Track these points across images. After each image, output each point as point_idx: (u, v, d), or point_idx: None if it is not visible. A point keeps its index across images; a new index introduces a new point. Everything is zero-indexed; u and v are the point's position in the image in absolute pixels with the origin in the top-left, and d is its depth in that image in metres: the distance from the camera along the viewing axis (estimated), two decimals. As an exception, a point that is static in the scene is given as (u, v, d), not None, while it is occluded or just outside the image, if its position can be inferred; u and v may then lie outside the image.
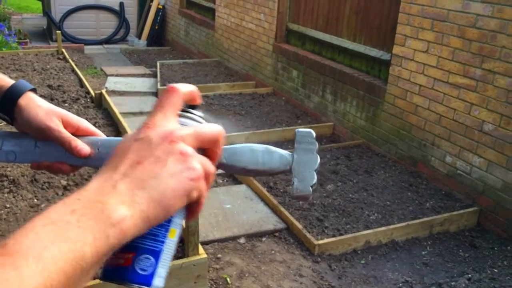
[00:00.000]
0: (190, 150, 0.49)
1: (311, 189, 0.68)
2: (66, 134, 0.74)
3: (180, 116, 0.54)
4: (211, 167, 0.51)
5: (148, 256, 0.50)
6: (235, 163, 0.65)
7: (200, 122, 0.56)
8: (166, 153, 0.47)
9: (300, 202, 3.35)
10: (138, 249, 0.49)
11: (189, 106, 0.57)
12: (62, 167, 0.74)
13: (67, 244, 0.39)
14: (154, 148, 0.48)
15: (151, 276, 0.50)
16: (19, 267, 0.37)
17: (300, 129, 0.70)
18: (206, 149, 0.53)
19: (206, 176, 0.50)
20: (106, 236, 0.42)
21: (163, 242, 0.51)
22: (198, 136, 0.50)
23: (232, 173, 0.65)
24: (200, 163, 0.49)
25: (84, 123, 0.78)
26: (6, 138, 0.76)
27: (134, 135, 0.50)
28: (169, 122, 0.50)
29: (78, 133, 0.76)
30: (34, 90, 0.79)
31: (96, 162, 0.71)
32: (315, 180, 0.68)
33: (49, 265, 0.38)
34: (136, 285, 0.49)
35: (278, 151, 0.68)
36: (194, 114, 0.57)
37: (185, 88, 0.54)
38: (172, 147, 0.48)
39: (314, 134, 0.72)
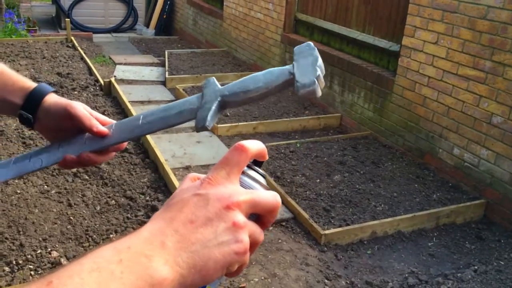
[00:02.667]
0: (242, 220, 0.48)
1: (315, 80, 0.66)
2: (88, 115, 0.81)
3: (243, 173, 0.53)
4: (260, 236, 0.51)
5: None
6: (242, 96, 0.67)
7: (261, 183, 0.54)
8: (219, 218, 0.47)
9: (307, 192, 3.37)
10: None
11: (254, 161, 0.56)
12: (89, 158, 0.80)
13: None
14: (209, 209, 0.47)
15: None
16: None
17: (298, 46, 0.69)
18: (259, 214, 0.52)
19: (253, 245, 0.50)
20: None
21: None
22: (255, 204, 0.50)
23: (241, 105, 0.66)
24: (249, 234, 0.49)
25: (100, 116, 0.84)
26: (33, 153, 0.83)
27: (196, 187, 0.50)
28: (231, 182, 0.50)
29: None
30: (55, 92, 0.85)
31: (112, 141, 0.80)
32: (318, 73, 0.66)
33: None
34: None
35: (277, 68, 0.69)
36: (258, 172, 0.55)
37: (255, 148, 0.53)
38: (226, 214, 0.47)
39: (313, 45, 0.69)
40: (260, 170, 0.56)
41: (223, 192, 0.48)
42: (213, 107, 0.69)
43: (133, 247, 0.44)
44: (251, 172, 0.55)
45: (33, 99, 0.82)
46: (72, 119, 0.81)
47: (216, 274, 0.46)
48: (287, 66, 0.69)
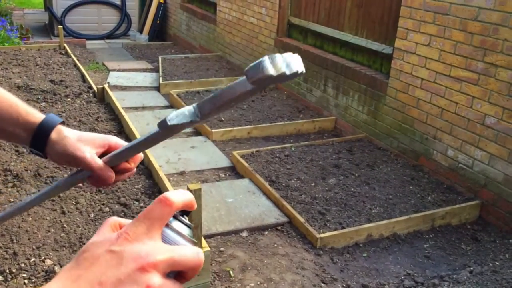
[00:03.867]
0: (158, 283, 0.45)
1: (263, 60, 0.53)
2: (91, 162, 0.82)
3: (167, 225, 0.50)
4: None
5: None
6: (212, 100, 0.59)
7: (186, 236, 0.51)
8: (132, 281, 0.44)
9: (302, 196, 3.36)
10: None
11: (181, 211, 0.52)
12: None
13: None
14: (122, 270, 0.44)
15: None
16: None
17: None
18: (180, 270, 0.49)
19: None
20: None
21: None
22: (174, 263, 0.46)
23: (217, 110, 0.60)
24: None
25: (112, 140, 0.86)
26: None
27: (111, 242, 0.46)
28: (151, 238, 0.47)
29: (110, 150, 0.85)
30: (62, 123, 0.85)
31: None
32: (269, 58, 0.54)
33: None
34: None
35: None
36: (184, 223, 0.52)
37: (181, 200, 0.50)
38: (140, 276, 0.44)
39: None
40: (186, 221, 0.52)
41: (140, 250, 0.45)
42: (186, 109, 0.65)
43: None
44: (176, 224, 0.51)
45: (40, 135, 0.83)
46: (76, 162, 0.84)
47: None
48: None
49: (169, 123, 0.62)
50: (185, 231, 0.51)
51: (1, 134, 0.84)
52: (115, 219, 0.51)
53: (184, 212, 0.52)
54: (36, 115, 0.84)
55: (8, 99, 0.83)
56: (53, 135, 0.83)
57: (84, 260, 0.46)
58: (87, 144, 0.83)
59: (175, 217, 0.51)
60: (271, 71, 0.53)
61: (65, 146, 0.82)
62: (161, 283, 0.45)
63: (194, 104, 0.62)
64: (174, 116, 0.62)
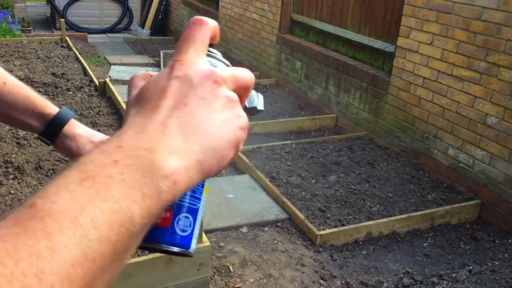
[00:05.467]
0: (235, 95, 0.42)
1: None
2: None
3: (207, 55, 0.47)
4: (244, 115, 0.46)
5: (187, 215, 0.43)
6: None
7: (225, 62, 0.48)
8: (213, 96, 0.40)
9: (302, 193, 3.37)
10: (176, 207, 0.43)
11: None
12: None
13: (110, 204, 0.32)
14: (197, 88, 0.40)
15: (190, 237, 0.44)
16: (51, 235, 0.29)
17: None
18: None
19: None
20: (158, 191, 0.34)
21: (199, 199, 0.45)
22: (236, 79, 0.44)
23: None
24: None
25: None
26: None
27: (167, 74, 0.41)
28: (202, 61, 0.43)
29: None
30: (75, 117, 0.88)
31: None
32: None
33: (88, 232, 0.30)
34: (176, 248, 0.43)
35: None
36: (219, 55, 0.49)
37: (211, 21, 0.47)
38: (218, 90, 0.41)
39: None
40: (216, 52, 0.49)
41: (203, 69, 0.42)
42: None
43: (125, 145, 0.35)
44: (214, 54, 0.48)
45: (53, 127, 0.85)
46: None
47: (230, 154, 0.41)
48: None
49: None
50: (222, 58, 0.49)
51: (13, 122, 0.86)
52: (141, 72, 0.47)
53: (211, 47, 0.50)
54: (51, 107, 0.86)
55: (24, 90, 0.85)
56: (66, 129, 0.85)
57: (150, 96, 0.40)
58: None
59: (209, 51, 0.48)
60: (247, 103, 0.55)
61: (76, 144, 0.85)
62: (236, 96, 0.43)
63: None
64: None
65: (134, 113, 0.40)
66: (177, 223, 0.43)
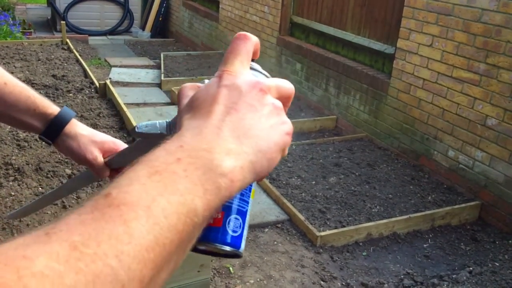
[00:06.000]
0: (279, 102, 0.46)
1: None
2: (99, 165, 0.87)
3: (250, 68, 0.50)
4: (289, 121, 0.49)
5: (237, 216, 0.46)
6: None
7: (266, 75, 0.51)
8: (260, 103, 0.44)
9: (302, 194, 3.37)
10: (227, 209, 0.45)
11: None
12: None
13: (176, 197, 0.35)
14: (246, 96, 0.44)
15: (240, 238, 0.46)
16: (127, 221, 0.32)
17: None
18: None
19: None
20: (218, 188, 0.38)
21: (248, 202, 0.48)
22: (279, 89, 0.47)
23: None
24: None
25: (121, 145, 0.90)
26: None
27: (216, 83, 0.45)
28: (247, 72, 0.47)
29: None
30: (76, 117, 0.90)
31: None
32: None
33: (160, 220, 0.33)
34: (227, 247, 0.45)
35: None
36: (259, 67, 0.52)
37: (254, 37, 0.50)
38: (264, 98, 0.44)
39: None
40: (259, 67, 0.52)
41: (250, 79, 0.45)
42: (158, 122, 0.67)
43: (185, 145, 0.39)
44: (256, 67, 0.51)
45: (54, 127, 0.86)
46: (83, 161, 0.88)
47: (278, 157, 0.44)
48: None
49: (136, 130, 0.65)
50: (266, 73, 0.52)
51: (14, 122, 0.87)
52: (189, 83, 0.50)
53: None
54: (52, 107, 0.87)
55: (26, 90, 0.86)
56: (67, 128, 0.86)
57: (202, 103, 0.44)
58: (96, 146, 0.87)
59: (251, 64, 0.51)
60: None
61: (78, 143, 0.86)
62: (280, 104, 0.46)
63: (168, 120, 0.65)
64: (143, 125, 0.65)
65: (188, 117, 0.43)
66: (228, 223, 0.45)
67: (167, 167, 0.37)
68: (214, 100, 0.43)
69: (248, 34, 0.50)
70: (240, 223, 0.46)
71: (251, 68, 0.50)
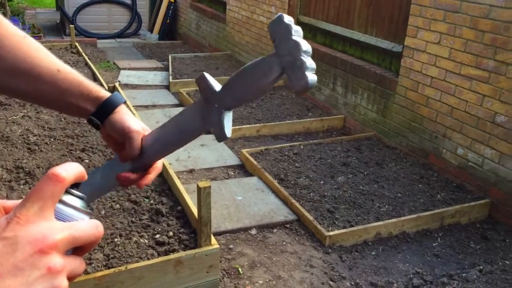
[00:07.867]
0: (59, 263, 0.43)
1: (308, 81, 0.66)
2: (135, 151, 0.86)
3: (59, 201, 0.47)
4: (80, 268, 0.46)
5: None
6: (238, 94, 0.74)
7: (80, 208, 0.48)
8: (31, 266, 0.41)
9: (311, 194, 3.37)
10: None
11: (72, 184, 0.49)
12: (128, 180, 0.87)
13: None
14: (18, 256, 0.41)
15: None
16: None
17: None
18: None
19: (73, 278, 0.45)
20: None
21: None
22: (74, 240, 0.44)
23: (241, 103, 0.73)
24: (69, 272, 0.44)
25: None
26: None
27: (1, 228, 0.42)
28: (44, 219, 0.43)
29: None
30: (125, 103, 0.91)
31: (140, 164, 0.87)
32: (307, 65, 0.67)
33: None
34: None
35: (264, 61, 0.75)
36: (76, 196, 0.49)
37: (71, 174, 0.47)
38: (39, 260, 0.42)
39: (286, 20, 0.68)
40: (78, 193, 0.49)
41: (35, 232, 0.42)
42: (222, 119, 0.70)
43: None
44: (68, 198, 0.48)
45: (105, 109, 0.88)
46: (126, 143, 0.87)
47: None
48: (272, 58, 0.69)
49: (228, 136, 0.75)
50: (78, 203, 0.49)
51: (65, 107, 0.88)
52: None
53: (74, 184, 0.49)
54: (103, 91, 0.89)
55: (78, 76, 0.88)
56: (117, 112, 0.88)
57: None
58: (139, 130, 0.88)
59: (65, 191, 0.48)
60: (315, 79, 0.67)
61: (122, 118, 0.87)
62: (62, 263, 0.43)
63: (221, 109, 0.77)
64: (227, 130, 0.75)
65: None
66: None
67: None
68: None
69: (63, 173, 0.46)
70: None
71: (62, 203, 0.47)
